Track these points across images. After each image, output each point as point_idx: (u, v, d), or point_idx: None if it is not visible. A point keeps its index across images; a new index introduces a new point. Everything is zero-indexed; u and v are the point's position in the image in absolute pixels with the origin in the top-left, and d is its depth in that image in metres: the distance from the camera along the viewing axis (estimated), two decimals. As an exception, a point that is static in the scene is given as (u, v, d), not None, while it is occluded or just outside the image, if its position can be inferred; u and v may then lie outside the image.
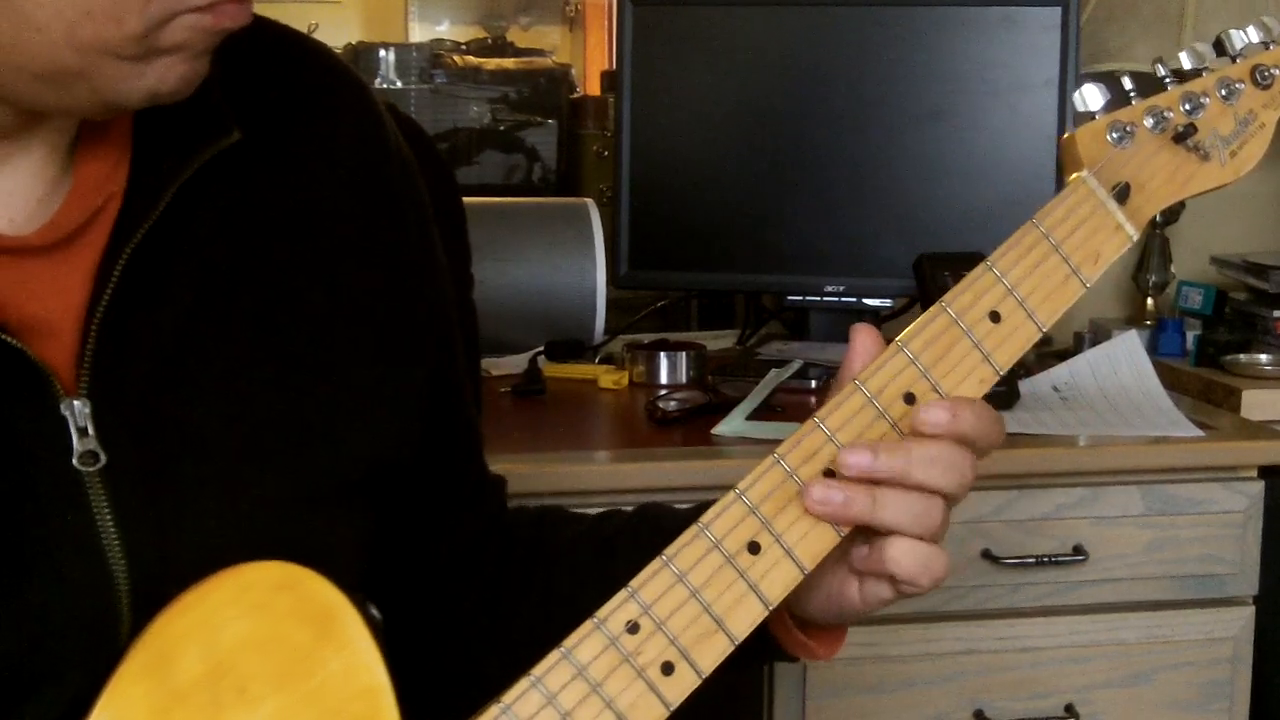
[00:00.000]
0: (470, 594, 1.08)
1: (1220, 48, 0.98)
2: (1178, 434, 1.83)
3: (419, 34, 2.96)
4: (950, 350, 0.91)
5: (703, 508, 0.89)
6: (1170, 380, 2.04)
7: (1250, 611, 1.86)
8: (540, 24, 2.98)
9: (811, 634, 0.98)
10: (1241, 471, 1.85)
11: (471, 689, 0.90)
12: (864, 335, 0.92)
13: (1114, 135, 0.95)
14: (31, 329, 0.85)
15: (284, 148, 0.95)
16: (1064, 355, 2.11)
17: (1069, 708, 1.83)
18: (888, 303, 2.22)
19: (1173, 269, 2.41)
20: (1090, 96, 0.95)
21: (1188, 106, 0.96)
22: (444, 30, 2.97)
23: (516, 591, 1.06)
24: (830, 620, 0.97)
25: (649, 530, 1.02)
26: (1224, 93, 0.97)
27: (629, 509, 1.09)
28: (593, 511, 1.11)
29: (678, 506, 1.04)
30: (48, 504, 0.84)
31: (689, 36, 2.20)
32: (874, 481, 0.88)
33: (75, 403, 0.84)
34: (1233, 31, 0.97)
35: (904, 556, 0.88)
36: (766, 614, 0.88)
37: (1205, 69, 0.97)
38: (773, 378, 1.96)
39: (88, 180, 0.88)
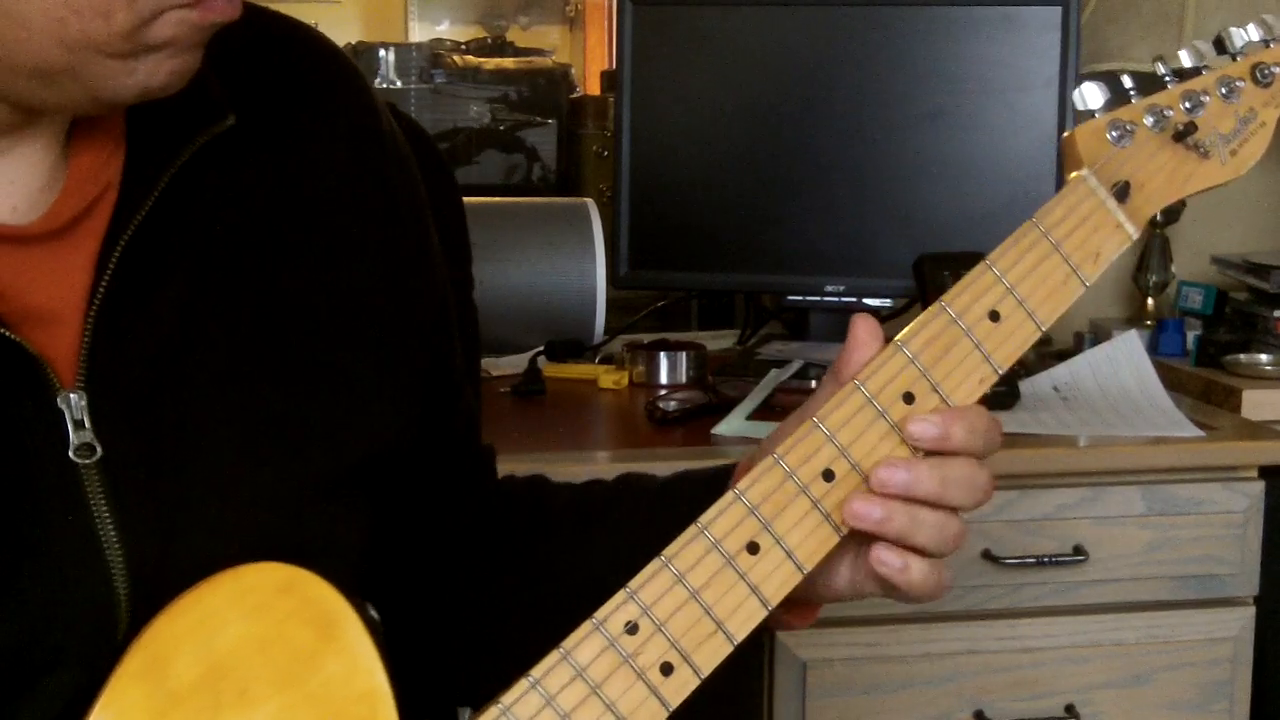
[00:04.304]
0: (473, 569, 1.07)
1: (1221, 46, 0.97)
2: (1178, 434, 1.83)
3: (419, 34, 2.95)
4: (950, 350, 0.90)
5: (683, 478, 0.89)
6: (1170, 380, 2.04)
7: (1250, 612, 1.86)
8: (540, 24, 2.97)
9: (789, 608, 0.97)
10: (1242, 471, 1.85)
11: (470, 685, 0.90)
12: (864, 326, 0.92)
13: (1114, 134, 0.95)
14: (35, 320, 0.84)
15: (280, 133, 0.95)
16: (1064, 355, 2.11)
17: (1069, 708, 1.83)
18: (888, 303, 2.22)
19: (1173, 269, 2.41)
20: (1090, 95, 0.95)
21: (1188, 105, 0.96)
22: (444, 30, 2.97)
23: (514, 564, 1.06)
24: (806, 597, 0.96)
25: (629, 499, 1.02)
26: (1224, 91, 0.97)
27: (608, 479, 1.09)
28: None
29: (656, 475, 1.05)
30: (45, 497, 0.83)
31: (689, 36, 2.20)
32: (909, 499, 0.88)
33: (72, 395, 0.84)
34: (1233, 29, 0.97)
35: (922, 581, 0.89)
36: (766, 615, 0.88)
37: (1205, 67, 0.97)
38: (773, 378, 1.96)
39: (84, 169, 0.87)
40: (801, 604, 0.97)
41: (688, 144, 2.22)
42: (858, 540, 0.91)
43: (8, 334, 0.83)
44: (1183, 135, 0.95)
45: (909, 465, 0.88)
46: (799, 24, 2.18)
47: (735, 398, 1.90)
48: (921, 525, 0.88)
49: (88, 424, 0.84)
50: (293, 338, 0.92)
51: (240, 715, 0.83)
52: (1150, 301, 2.41)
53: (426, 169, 1.05)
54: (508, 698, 0.86)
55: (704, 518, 0.87)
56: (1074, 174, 0.95)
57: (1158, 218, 2.38)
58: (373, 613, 0.88)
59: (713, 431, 1.81)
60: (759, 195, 2.20)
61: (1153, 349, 2.19)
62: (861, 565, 0.91)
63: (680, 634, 0.86)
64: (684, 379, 2.09)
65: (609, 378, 2.07)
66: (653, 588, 0.86)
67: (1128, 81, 0.95)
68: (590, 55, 2.96)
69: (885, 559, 0.89)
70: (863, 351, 0.91)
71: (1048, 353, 2.19)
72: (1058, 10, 2.11)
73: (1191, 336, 2.22)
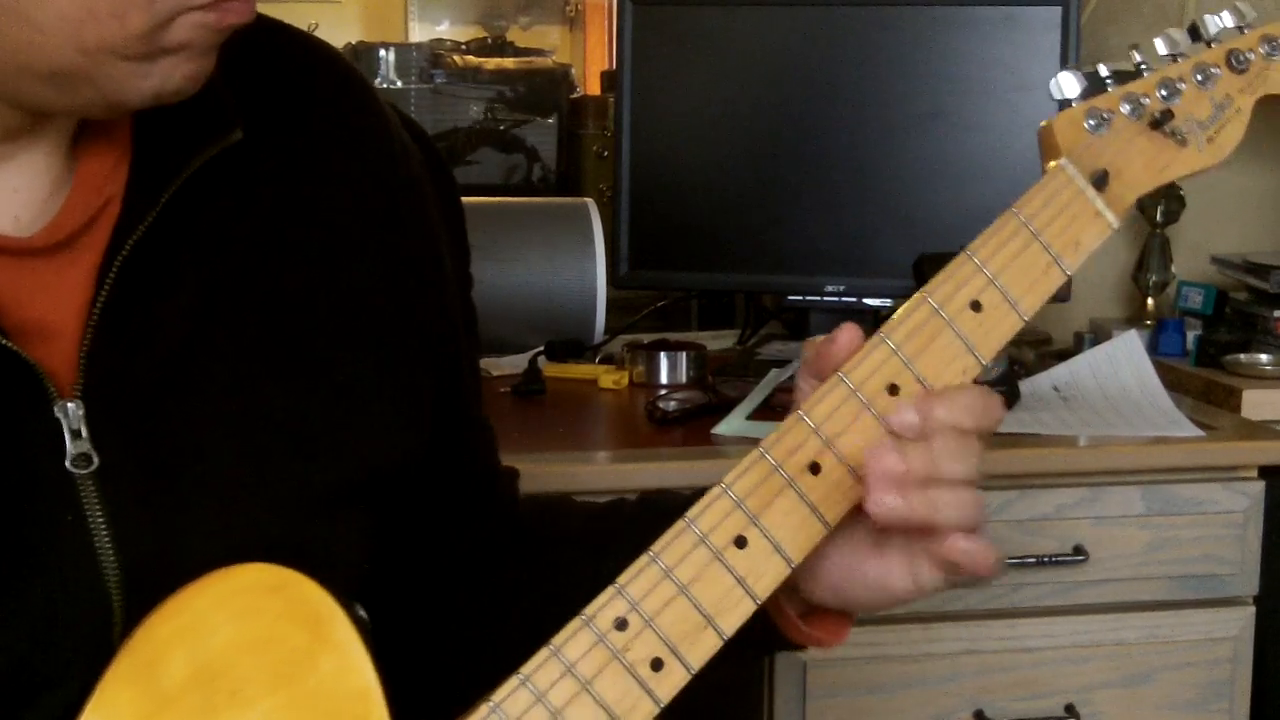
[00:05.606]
0: (482, 590, 1.07)
1: (1195, 33, 0.98)
2: (1178, 434, 1.83)
3: (419, 34, 2.94)
4: (933, 341, 0.90)
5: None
6: (1170, 380, 2.04)
7: (1250, 611, 1.86)
8: (540, 24, 2.96)
9: (814, 623, 0.97)
10: (1242, 471, 1.84)
11: (472, 688, 0.90)
12: (848, 334, 0.91)
13: (1091, 122, 0.95)
14: (33, 331, 0.84)
15: (287, 146, 0.94)
16: (1064, 355, 2.11)
17: (1069, 708, 1.83)
18: (888, 303, 2.21)
19: (1173, 269, 2.41)
20: (1066, 84, 0.95)
21: (1164, 92, 0.96)
22: (444, 30, 2.95)
23: (517, 587, 1.06)
24: (845, 606, 0.95)
25: (650, 519, 1.02)
26: (1200, 78, 0.97)
27: (633, 498, 1.08)
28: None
29: (684, 492, 1.03)
30: (41, 506, 0.84)
31: (689, 36, 2.20)
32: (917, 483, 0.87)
33: (69, 405, 0.84)
34: (1207, 17, 0.97)
35: (971, 553, 0.87)
36: (755, 609, 0.87)
37: (1181, 55, 0.97)
38: (773, 378, 1.96)
39: (88, 180, 0.87)
40: (834, 618, 0.97)
41: (688, 144, 2.22)
42: (903, 538, 0.90)
43: (6, 344, 0.82)
44: (1160, 123, 0.95)
45: (898, 449, 0.86)
46: (799, 24, 2.18)
47: (735, 398, 1.90)
48: (944, 506, 0.86)
49: (85, 434, 0.84)
50: (298, 349, 0.92)
51: (233, 716, 0.83)
52: (1150, 301, 2.41)
53: (426, 169, 1.05)
54: (498, 695, 0.86)
55: (691, 512, 0.87)
56: (1052, 163, 0.95)
57: (1158, 217, 2.38)
58: (361, 612, 0.88)
59: (713, 431, 1.81)
60: (759, 195, 2.19)
61: (1153, 349, 2.19)
62: (921, 560, 0.89)
63: (669, 629, 0.86)
64: (684, 379, 2.08)
65: (609, 378, 2.07)
66: (641, 583, 0.86)
67: (1104, 70, 0.95)
68: (590, 55, 2.95)
69: (962, 546, 0.87)
70: (842, 355, 0.90)
71: (1048, 353, 2.19)
72: (1058, 10, 2.11)
73: (1191, 336, 2.22)
